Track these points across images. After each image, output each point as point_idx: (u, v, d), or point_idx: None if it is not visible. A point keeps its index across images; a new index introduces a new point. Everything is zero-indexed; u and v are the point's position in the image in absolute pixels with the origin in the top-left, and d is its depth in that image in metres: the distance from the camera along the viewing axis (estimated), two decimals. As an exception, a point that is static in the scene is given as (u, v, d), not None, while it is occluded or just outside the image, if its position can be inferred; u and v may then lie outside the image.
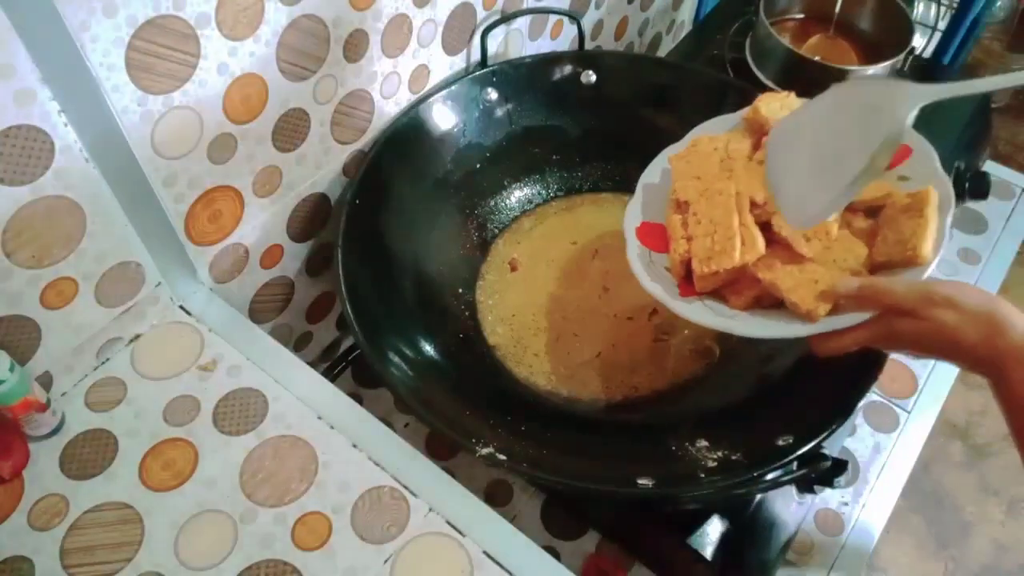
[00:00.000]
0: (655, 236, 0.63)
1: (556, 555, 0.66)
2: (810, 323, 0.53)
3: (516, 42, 0.83)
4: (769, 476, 0.55)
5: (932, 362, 0.87)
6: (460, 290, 0.75)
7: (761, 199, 0.57)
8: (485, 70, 0.77)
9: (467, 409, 0.61)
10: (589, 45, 0.95)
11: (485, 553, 0.50)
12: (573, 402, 0.69)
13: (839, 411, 0.56)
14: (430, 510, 0.52)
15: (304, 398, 0.57)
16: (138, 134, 0.51)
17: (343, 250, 0.62)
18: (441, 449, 0.74)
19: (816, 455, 0.55)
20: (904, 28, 0.85)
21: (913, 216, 0.54)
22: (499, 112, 0.79)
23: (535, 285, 0.76)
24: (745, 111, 0.64)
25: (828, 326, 0.52)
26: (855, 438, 0.78)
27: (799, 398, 0.62)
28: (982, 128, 0.95)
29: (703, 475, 0.57)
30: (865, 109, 0.52)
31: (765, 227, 0.57)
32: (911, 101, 0.49)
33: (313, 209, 0.70)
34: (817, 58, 0.85)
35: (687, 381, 0.69)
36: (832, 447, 0.71)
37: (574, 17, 0.84)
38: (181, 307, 0.62)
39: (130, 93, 0.49)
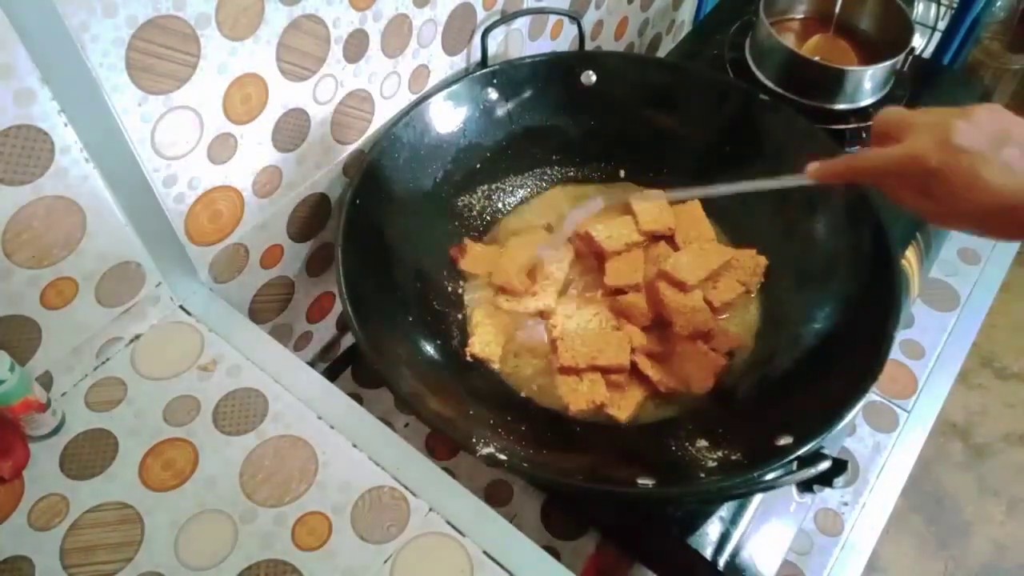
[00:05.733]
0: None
1: (556, 555, 0.65)
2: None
3: (516, 42, 0.83)
4: (769, 476, 0.55)
5: (932, 362, 0.87)
6: (460, 290, 0.75)
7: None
8: (485, 70, 0.77)
9: (468, 409, 0.61)
10: (589, 45, 0.95)
11: (485, 553, 0.50)
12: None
13: (839, 411, 0.56)
14: (430, 510, 0.52)
15: (304, 398, 0.57)
16: (138, 134, 0.51)
17: (343, 250, 0.62)
18: (441, 449, 0.74)
19: (816, 455, 0.55)
20: (904, 28, 0.85)
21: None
22: (499, 112, 0.79)
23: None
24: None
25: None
26: (855, 438, 0.78)
27: (799, 398, 0.62)
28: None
29: (703, 475, 0.57)
30: None
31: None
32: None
33: (313, 209, 0.70)
34: (817, 58, 0.85)
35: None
36: (832, 447, 0.71)
37: (574, 17, 0.84)
38: (181, 307, 0.62)
39: (130, 93, 0.49)
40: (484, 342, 0.68)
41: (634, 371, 0.67)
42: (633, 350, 0.67)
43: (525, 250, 0.73)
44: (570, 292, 0.74)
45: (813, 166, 0.51)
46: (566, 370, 0.66)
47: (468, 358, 0.68)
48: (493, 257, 0.75)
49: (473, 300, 0.74)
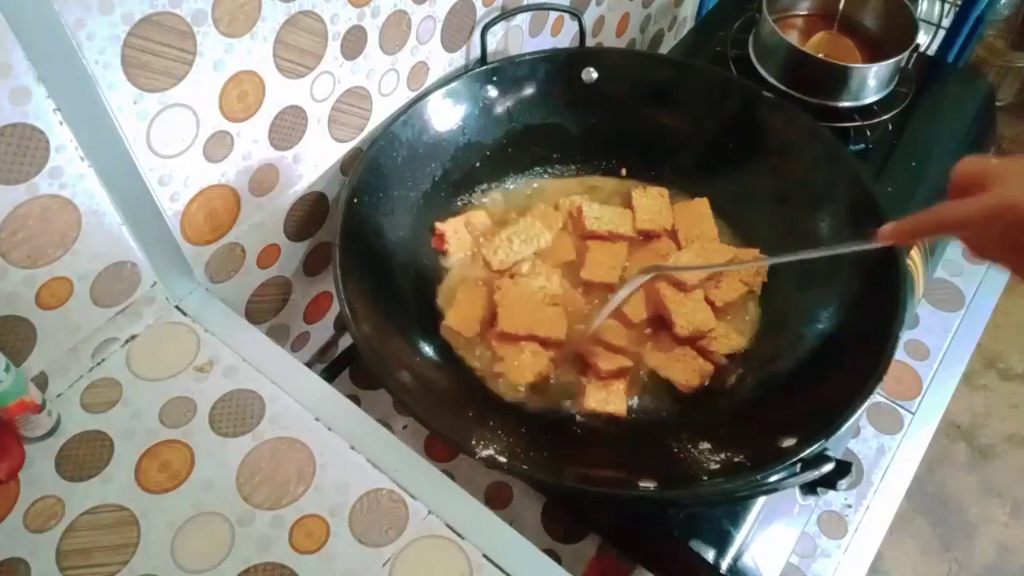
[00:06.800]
0: None
1: (557, 558, 0.65)
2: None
3: (516, 39, 0.83)
4: (772, 478, 0.54)
5: (936, 363, 0.86)
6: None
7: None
8: (485, 67, 0.76)
9: (467, 411, 0.61)
10: (590, 42, 0.95)
11: (485, 556, 0.49)
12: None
13: (843, 413, 0.55)
14: (429, 513, 0.51)
15: (301, 399, 0.56)
16: (134, 132, 0.51)
17: (341, 249, 0.62)
18: (440, 451, 0.74)
19: (820, 457, 0.54)
20: (908, 25, 0.84)
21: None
22: (499, 110, 0.78)
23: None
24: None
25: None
26: (859, 440, 0.78)
27: (802, 399, 0.61)
28: (986, 126, 0.94)
29: (706, 477, 0.56)
30: None
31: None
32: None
33: (310, 208, 0.70)
34: (821, 55, 0.84)
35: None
36: (836, 449, 0.70)
37: (575, 13, 0.83)
38: (177, 307, 0.61)
39: (126, 91, 0.48)
40: (460, 315, 0.68)
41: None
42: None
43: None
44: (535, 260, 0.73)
45: (887, 228, 0.47)
46: (505, 336, 0.66)
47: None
48: (471, 235, 0.74)
49: (455, 275, 0.73)
